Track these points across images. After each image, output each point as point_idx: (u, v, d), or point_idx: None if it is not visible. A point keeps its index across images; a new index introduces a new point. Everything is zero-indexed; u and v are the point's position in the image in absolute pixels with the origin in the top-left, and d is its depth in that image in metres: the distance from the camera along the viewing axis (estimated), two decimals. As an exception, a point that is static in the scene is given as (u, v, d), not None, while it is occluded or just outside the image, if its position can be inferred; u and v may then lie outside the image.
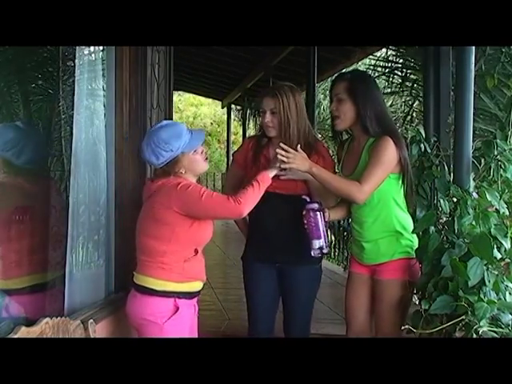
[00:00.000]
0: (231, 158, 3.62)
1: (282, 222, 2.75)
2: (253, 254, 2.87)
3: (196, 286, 2.45)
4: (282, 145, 2.52)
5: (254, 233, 2.87)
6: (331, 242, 7.13)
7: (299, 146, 2.57)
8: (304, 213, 2.61)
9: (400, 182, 2.64)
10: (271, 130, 2.75)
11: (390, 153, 2.56)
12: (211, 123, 20.89)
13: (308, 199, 2.64)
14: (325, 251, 2.64)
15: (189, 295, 2.41)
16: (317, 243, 2.60)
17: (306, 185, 2.74)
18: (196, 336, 2.52)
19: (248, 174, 2.81)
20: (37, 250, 2.81)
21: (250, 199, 2.36)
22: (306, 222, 2.61)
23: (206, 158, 2.47)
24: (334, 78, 2.87)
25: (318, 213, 2.60)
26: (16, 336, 1.79)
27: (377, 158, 2.56)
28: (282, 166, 2.51)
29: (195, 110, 22.07)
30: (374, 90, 2.74)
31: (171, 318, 2.33)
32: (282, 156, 2.48)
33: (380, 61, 5.91)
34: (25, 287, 2.72)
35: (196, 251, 2.41)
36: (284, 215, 2.75)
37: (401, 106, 6.81)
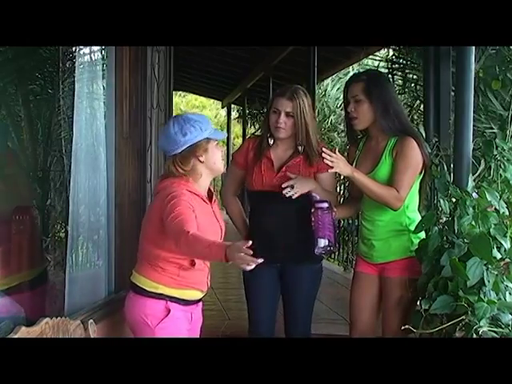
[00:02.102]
0: (231, 157, 3.63)
1: (283, 221, 2.75)
2: (253, 255, 2.85)
3: (191, 294, 2.37)
4: (325, 149, 2.56)
5: (255, 233, 2.84)
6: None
7: (337, 149, 2.59)
8: (312, 210, 2.61)
9: (418, 180, 2.67)
10: (282, 132, 2.74)
11: (416, 155, 2.61)
12: (214, 125, 20.98)
13: (317, 197, 2.64)
14: (329, 250, 2.64)
15: (183, 302, 2.34)
16: (322, 242, 2.60)
17: None
18: None
19: (249, 174, 2.82)
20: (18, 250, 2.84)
21: (192, 246, 2.10)
22: (313, 219, 2.60)
23: (223, 160, 2.43)
24: (348, 79, 2.89)
25: (326, 212, 2.59)
26: (16, 336, 1.78)
27: (406, 163, 2.60)
28: (330, 170, 2.58)
29: (198, 112, 22.09)
30: (391, 89, 2.78)
31: (163, 321, 2.29)
32: (328, 160, 2.51)
33: (381, 61, 5.90)
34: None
35: (193, 262, 2.32)
36: (285, 215, 2.75)
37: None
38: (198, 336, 2.52)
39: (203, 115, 2.45)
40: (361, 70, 4.48)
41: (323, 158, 2.53)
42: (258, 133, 3.83)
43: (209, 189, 2.44)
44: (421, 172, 2.66)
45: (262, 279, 2.82)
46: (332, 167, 2.53)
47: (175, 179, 2.31)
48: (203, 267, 2.40)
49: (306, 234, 2.66)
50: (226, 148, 13.37)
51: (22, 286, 2.77)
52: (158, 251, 2.31)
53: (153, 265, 2.33)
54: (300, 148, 2.76)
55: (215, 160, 2.36)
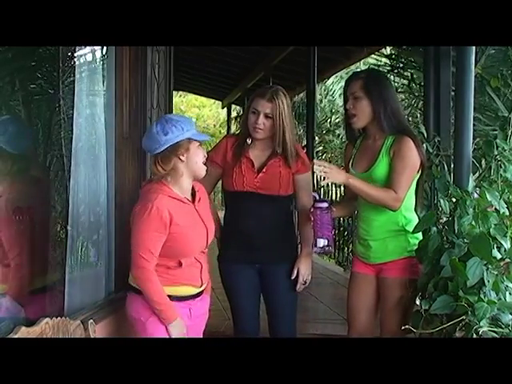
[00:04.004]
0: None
1: (262, 222, 2.75)
2: (232, 256, 2.83)
3: (182, 290, 2.40)
4: (316, 161, 2.58)
5: (233, 233, 2.83)
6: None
7: (325, 161, 2.63)
8: (312, 210, 2.63)
9: (415, 180, 2.68)
10: (260, 133, 2.75)
11: (414, 155, 2.62)
12: (214, 125, 20.98)
13: (317, 197, 2.66)
14: (327, 249, 2.65)
15: (175, 298, 2.36)
16: (321, 242, 2.61)
17: (289, 186, 2.79)
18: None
19: (228, 175, 2.80)
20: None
21: (144, 286, 2.32)
22: (312, 219, 2.63)
23: (205, 164, 2.42)
24: (348, 76, 2.91)
25: (325, 212, 2.60)
26: (16, 336, 1.79)
27: (404, 164, 2.61)
28: (323, 182, 2.61)
29: (197, 111, 22.10)
30: (389, 88, 2.79)
31: (154, 316, 2.32)
32: (320, 172, 2.52)
33: (382, 58, 5.90)
34: None
35: (180, 263, 2.36)
36: (264, 215, 2.75)
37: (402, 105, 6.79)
38: (202, 332, 2.54)
39: (187, 117, 2.50)
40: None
41: (318, 164, 2.54)
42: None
43: (192, 187, 2.44)
44: (418, 171, 2.67)
45: (243, 281, 2.83)
46: (326, 178, 2.53)
47: (155, 184, 2.35)
48: (194, 263, 2.42)
49: (285, 235, 2.71)
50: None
51: (22, 287, 2.77)
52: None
53: None
54: (278, 149, 2.76)
55: (196, 160, 2.37)
